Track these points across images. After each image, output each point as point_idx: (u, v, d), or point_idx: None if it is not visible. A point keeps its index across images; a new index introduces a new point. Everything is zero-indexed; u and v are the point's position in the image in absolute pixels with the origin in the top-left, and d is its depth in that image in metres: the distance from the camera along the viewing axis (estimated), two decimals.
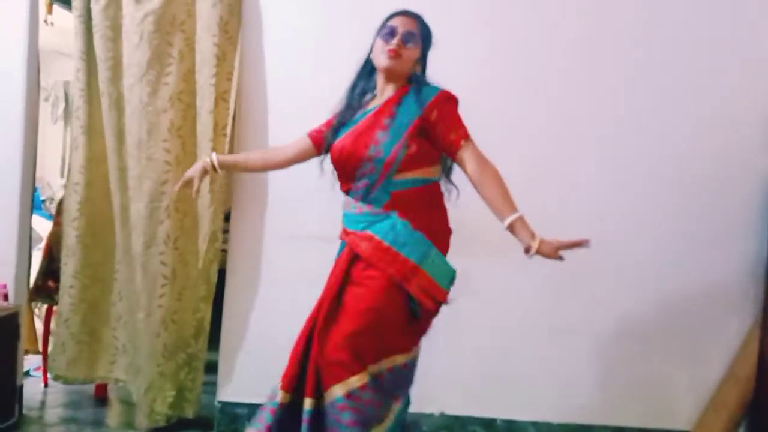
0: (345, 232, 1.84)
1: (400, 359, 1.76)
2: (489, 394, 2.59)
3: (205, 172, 2.06)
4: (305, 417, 1.69)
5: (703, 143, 2.54)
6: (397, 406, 1.80)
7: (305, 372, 1.73)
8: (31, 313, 2.77)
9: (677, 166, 2.54)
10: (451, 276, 1.80)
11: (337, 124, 1.87)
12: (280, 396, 1.75)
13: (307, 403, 1.70)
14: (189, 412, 2.60)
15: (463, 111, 1.81)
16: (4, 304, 2.51)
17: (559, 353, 2.58)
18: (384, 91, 1.82)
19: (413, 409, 2.51)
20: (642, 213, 2.55)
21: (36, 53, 2.65)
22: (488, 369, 2.57)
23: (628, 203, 2.55)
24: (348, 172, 1.81)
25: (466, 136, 1.73)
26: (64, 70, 2.61)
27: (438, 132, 1.72)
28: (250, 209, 2.61)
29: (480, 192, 1.71)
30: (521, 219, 1.65)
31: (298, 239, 2.57)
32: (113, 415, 2.84)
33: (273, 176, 2.60)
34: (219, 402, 2.65)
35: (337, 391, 1.67)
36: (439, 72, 1.87)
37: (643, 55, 2.54)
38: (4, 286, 2.54)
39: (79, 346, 2.68)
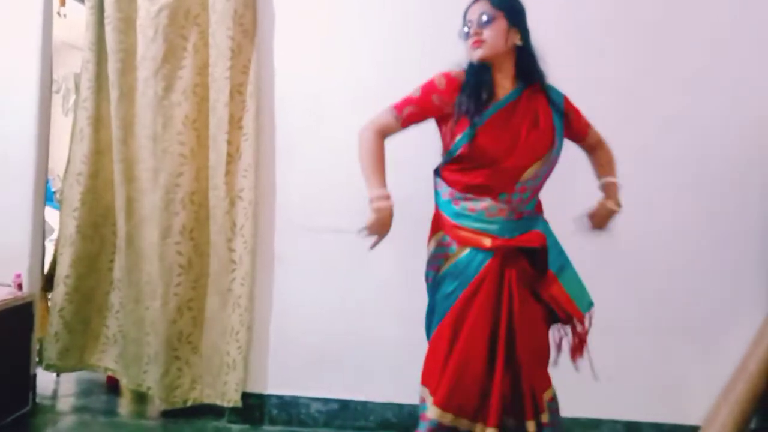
0: (499, 241, 1.67)
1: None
2: None
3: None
4: None
5: (719, 143, 2.53)
6: None
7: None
8: (45, 301, 2.79)
9: (694, 166, 2.54)
10: (587, 302, 1.80)
11: (451, 115, 1.70)
12: None
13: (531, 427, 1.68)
14: (204, 397, 2.63)
15: None
16: (19, 293, 2.53)
17: (569, 348, 2.58)
18: (501, 83, 1.71)
19: None
20: (657, 212, 2.55)
21: (49, 46, 2.66)
22: None
23: (644, 202, 2.54)
24: (510, 177, 1.67)
25: (587, 122, 1.87)
26: (74, 62, 2.63)
27: (573, 126, 1.82)
28: (268, 203, 2.63)
29: (597, 155, 1.92)
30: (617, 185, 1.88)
31: (316, 231, 2.60)
32: (125, 404, 2.87)
33: (290, 170, 2.62)
34: None
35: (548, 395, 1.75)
36: None
37: (660, 54, 2.54)
38: (19, 276, 2.56)
39: (71, 336, 2.69)
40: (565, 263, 1.74)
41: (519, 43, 1.69)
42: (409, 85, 1.82)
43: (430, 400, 1.67)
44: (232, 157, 2.54)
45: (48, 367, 2.72)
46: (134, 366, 2.66)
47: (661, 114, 2.54)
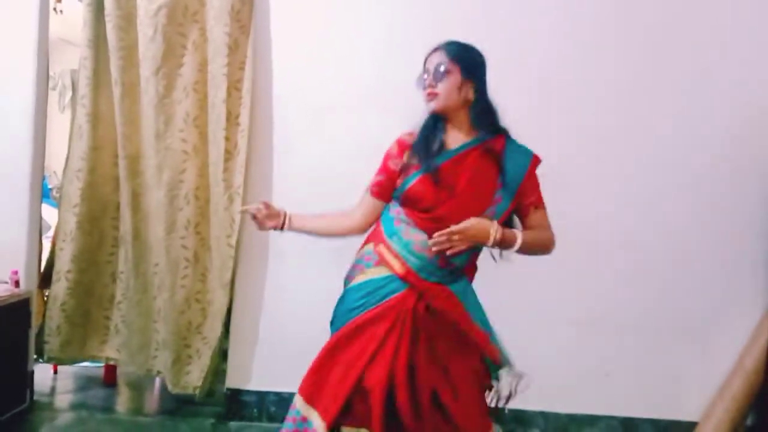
0: (411, 275, 1.63)
1: None
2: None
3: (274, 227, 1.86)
4: None
5: (717, 143, 2.54)
6: None
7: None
8: (42, 298, 2.79)
9: (692, 164, 2.55)
10: (506, 361, 1.75)
11: (406, 167, 1.69)
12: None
13: None
14: (212, 388, 2.64)
15: None
16: (16, 290, 2.52)
17: (567, 344, 2.59)
18: (451, 134, 1.69)
19: None
20: (657, 210, 2.56)
21: (46, 42, 2.64)
22: None
23: (643, 201, 2.56)
24: (445, 224, 1.60)
25: (541, 201, 1.72)
26: (71, 58, 2.61)
27: (523, 191, 1.69)
28: (264, 199, 2.62)
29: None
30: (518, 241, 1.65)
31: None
32: (122, 400, 2.87)
33: (287, 166, 2.62)
34: (228, 389, 2.67)
35: None
36: None
37: (659, 55, 2.54)
38: (16, 273, 2.55)
39: (72, 328, 2.70)
40: (487, 321, 1.72)
41: (471, 97, 1.67)
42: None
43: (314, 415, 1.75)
44: (230, 154, 2.54)
45: (50, 360, 2.74)
46: (141, 353, 2.67)
47: (660, 114, 2.55)
